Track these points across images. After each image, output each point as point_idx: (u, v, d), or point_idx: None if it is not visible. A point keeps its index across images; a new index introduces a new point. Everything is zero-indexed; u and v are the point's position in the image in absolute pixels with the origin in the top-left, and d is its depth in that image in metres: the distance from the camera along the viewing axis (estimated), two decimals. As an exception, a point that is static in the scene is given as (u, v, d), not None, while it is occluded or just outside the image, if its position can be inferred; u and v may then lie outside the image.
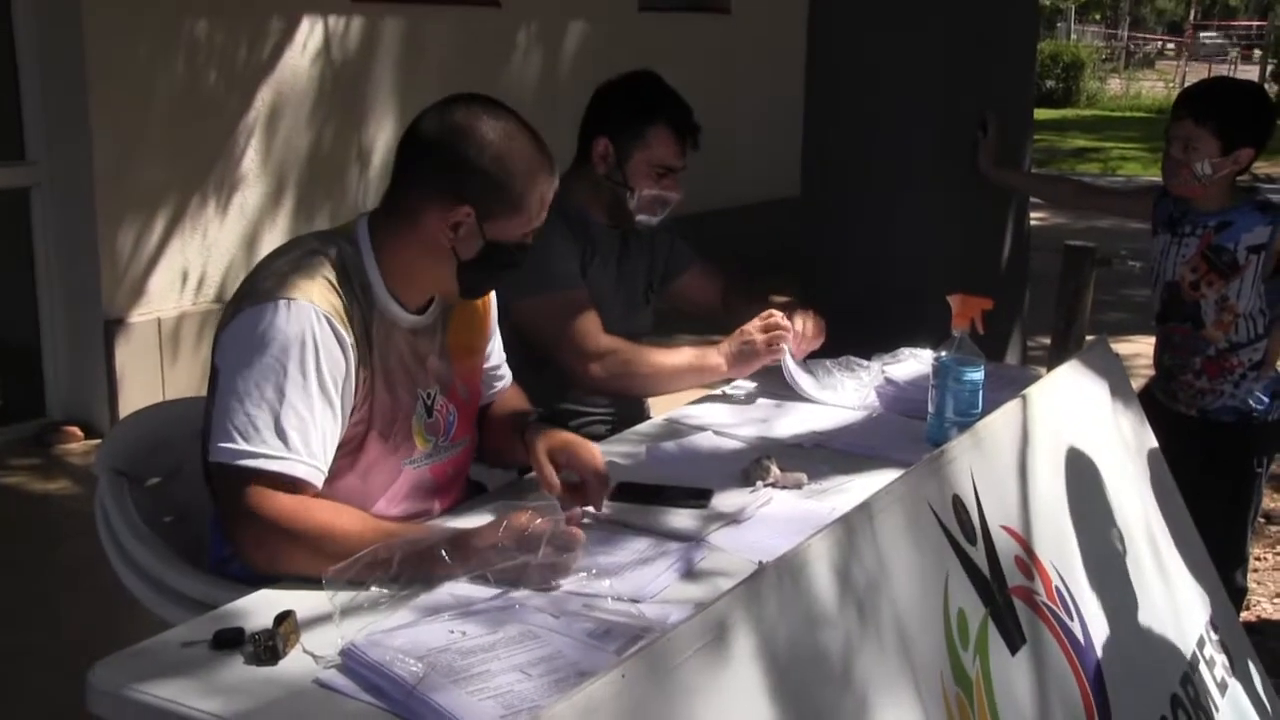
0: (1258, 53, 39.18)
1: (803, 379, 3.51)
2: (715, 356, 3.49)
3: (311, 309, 2.39)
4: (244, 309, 2.42)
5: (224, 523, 2.42)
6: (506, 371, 3.02)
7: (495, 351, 2.95)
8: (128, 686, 1.89)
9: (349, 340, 2.44)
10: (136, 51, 6.15)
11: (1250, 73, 29.78)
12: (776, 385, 3.54)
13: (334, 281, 2.47)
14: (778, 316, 3.48)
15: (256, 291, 2.43)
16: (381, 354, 2.55)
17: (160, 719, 1.86)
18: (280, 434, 2.33)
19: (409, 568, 2.22)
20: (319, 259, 2.49)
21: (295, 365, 2.36)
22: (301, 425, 2.36)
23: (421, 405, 2.65)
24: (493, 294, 2.88)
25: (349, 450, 2.52)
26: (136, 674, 1.92)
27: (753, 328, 3.47)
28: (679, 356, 3.50)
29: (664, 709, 1.66)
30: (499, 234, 2.57)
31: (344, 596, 2.14)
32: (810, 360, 3.62)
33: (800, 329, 3.54)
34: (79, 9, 5.92)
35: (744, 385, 3.59)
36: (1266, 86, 25.99)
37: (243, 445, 2.32)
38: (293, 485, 2.35)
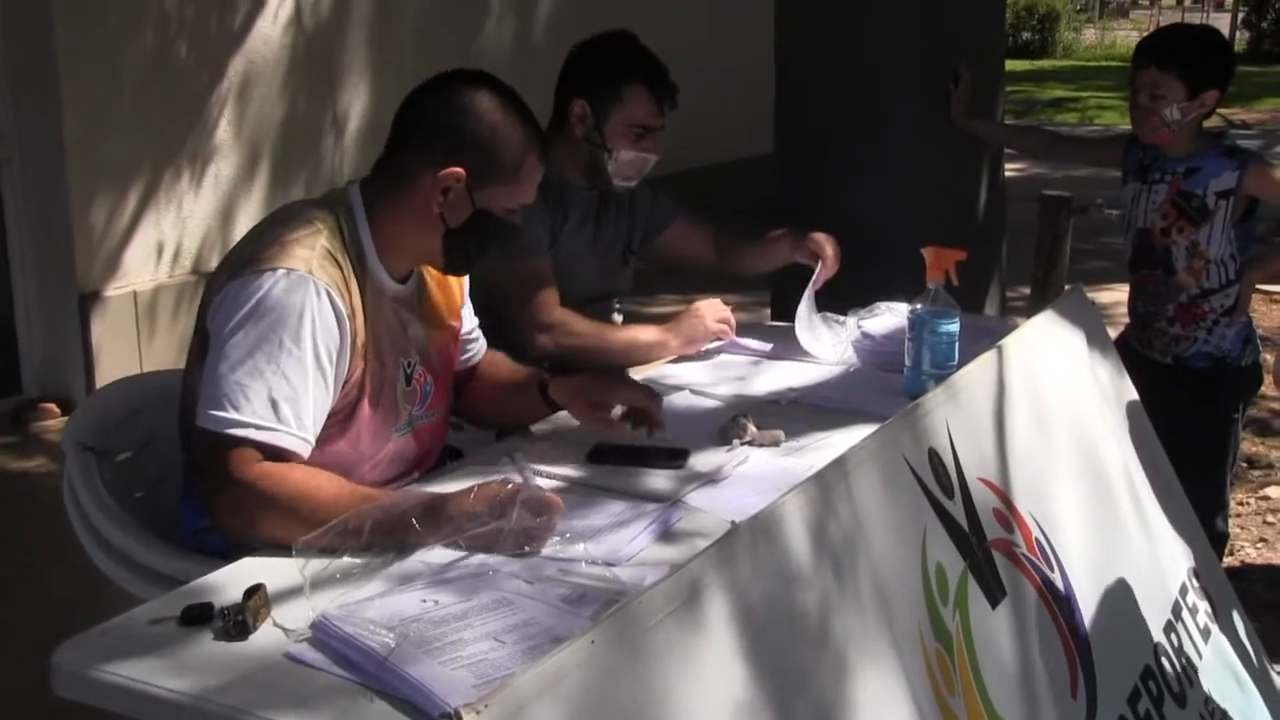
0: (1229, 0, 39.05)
1: (809, 337, 3.52)
2: (663, 334, 3.52)
3: (311, 281, 2.38)
4: (241, 275, 2.40)
5: (203, 489, 2.40)
6: (480, 335, 3.01)
7: (468, 318, 2.93)
8: (94, 667, 1.86)
9: (345, 312, 2.43)
10: (106, 23, 6.06)
11: (1222, 20, 29.63)
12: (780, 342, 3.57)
13: (333, 252, 2.46)
14: (728, 312, 3.55)
15: (256, 258, 2.41)
16: (373, 323, 2.54)
17: (127, 699, 1.83)
18: (272, 405, 2.33)
19: (381, 535, 2.20)
20: (319, 228, 2.48)
21: (290, 336, 2.35)
22: (293, 397, 2.35)
23: (402, 374, 2.64)
24: None
25: (340, 419, 2.52)
26: (103, 654, 1.89)
27: (705, 310, 3.52)
28: (627, 333, 3.56)
29: (636, 673, 1.64)
30: (487, 202, 2.59)
31: (315, 566, 2.12)
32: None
33: (831, 253, 3.62)
34: (45, -19, 5.84)
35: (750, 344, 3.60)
36: (1238, 34, 26.06)
37: (232, 414, 2.31)
38: (280, 456, 2.34)
